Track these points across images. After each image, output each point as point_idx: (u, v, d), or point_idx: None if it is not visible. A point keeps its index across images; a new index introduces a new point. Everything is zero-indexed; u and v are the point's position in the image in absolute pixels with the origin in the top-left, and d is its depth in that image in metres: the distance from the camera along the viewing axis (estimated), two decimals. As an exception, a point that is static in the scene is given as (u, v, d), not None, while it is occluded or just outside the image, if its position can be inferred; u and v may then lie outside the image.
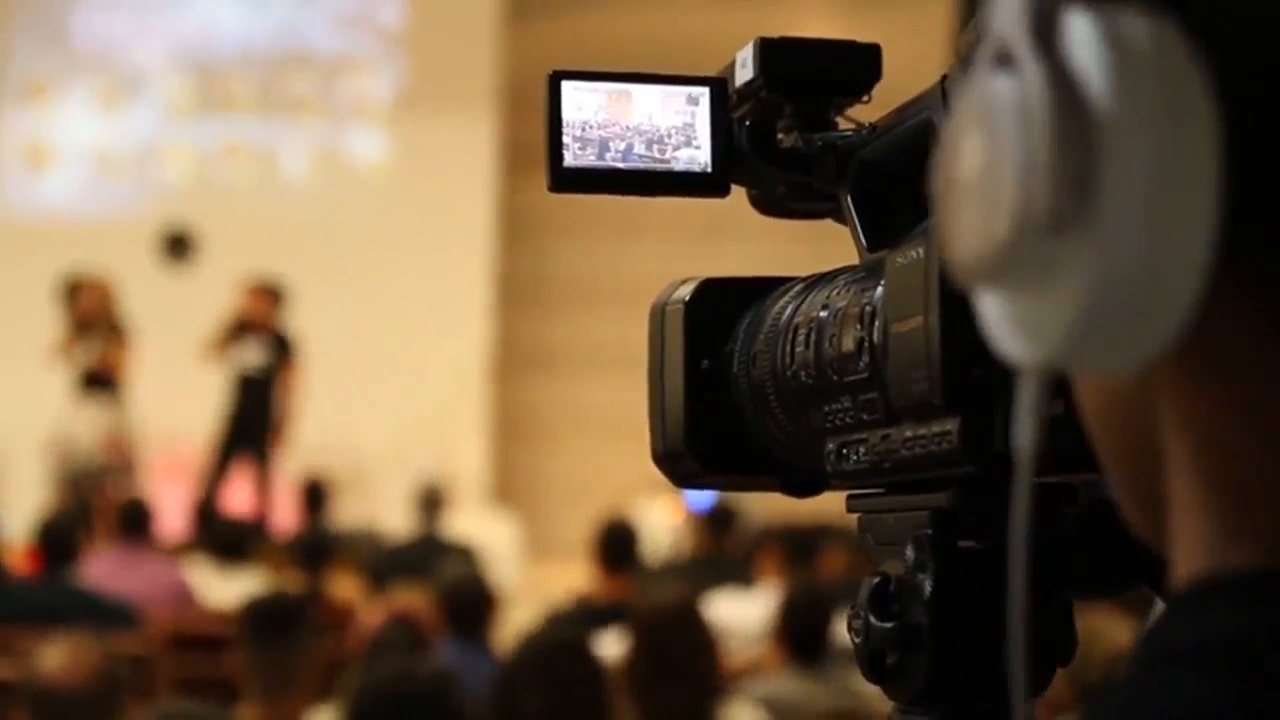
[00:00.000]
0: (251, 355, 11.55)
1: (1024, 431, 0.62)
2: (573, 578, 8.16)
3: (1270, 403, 0.61)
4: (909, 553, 0.96)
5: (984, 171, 0.61)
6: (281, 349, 11.65)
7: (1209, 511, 0.62)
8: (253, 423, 11.56)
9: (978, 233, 0.61)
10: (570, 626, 4.99)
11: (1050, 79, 0.59)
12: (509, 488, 13.22)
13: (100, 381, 11.24)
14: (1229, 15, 0.60)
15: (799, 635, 4.97)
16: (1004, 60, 0.61)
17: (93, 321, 11.24)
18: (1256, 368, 0.61)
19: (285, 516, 11.03)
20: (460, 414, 12.92)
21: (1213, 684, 0.59)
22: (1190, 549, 0.63)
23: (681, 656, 4.35)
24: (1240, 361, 0.61)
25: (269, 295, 11.71)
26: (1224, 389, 0.61)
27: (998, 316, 0.62)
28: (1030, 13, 0.60)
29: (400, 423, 12.61)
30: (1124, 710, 0.62)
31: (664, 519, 10.69)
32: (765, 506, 9.15)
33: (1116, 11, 0.60)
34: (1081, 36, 0.59)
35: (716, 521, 8.19)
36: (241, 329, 11.56)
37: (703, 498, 8.75)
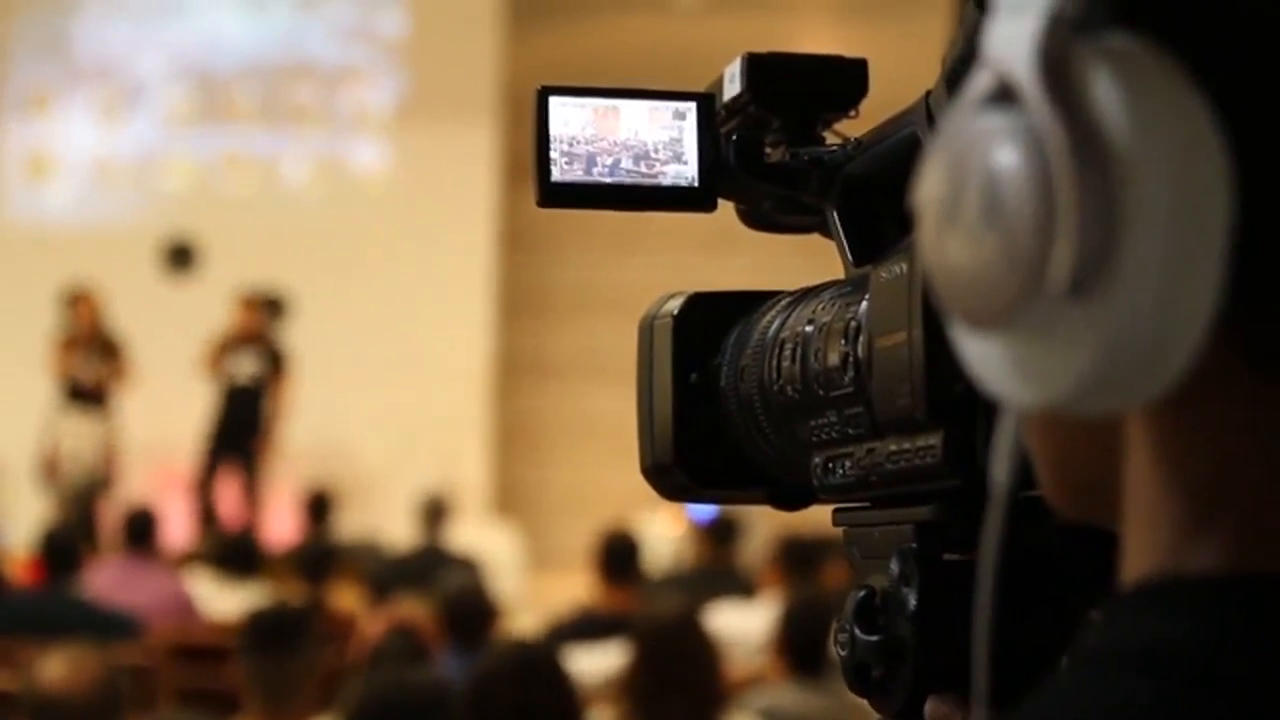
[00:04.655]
0: (244, 365, 11.61)
1: (1002, 468, 0.62)
2: (574, 589, 8.16)
3: (1241, 411, 0.61)
4: (894, 566, 0.96)
5: (985, 217, 0.59)
6: (273, 360, 11.72)
7: (1170, 512, 0.62)
8: (241, 431, 11.63)
9: (979, 284, 0.60)
10: (541, 640, 4.99)
11: (1068, 128, 0.57)
12: (510, 499, 13.22)
13: (90, 396, 11.31)
14: (1233, 59, 0.59)
15: (799, 647, 4.96)
16: (1004, 97, 0.59)
17: (89, 336, 11.32)
18: (1221, 383, 0.61)
19: (286, 527, 11.04)
20: (461, 425, 12.92)
21: (1155, 685, 0.59)
22: (1146, 548, 0.63)
23: (683, 668, 4.35)
24: (1203, 374, 0.60)
25: (262, 306, 11.80)
26: (1189, 402, 0.61)
27: (986, 356, 0.61)
28: (1041, 50, 0.58)
29: (401, 433, 12.62)
30: (1063, 707, 0.62)
31: (666, 530, 10.69)
32: (768, 518, 9.15)
33: (1130, 54, 0.58)
34: (1095, 79, 0.57)
35: (718, 533, 8.19)
36: (236, 341, 11.63)
37: (704, 509, 8.75)
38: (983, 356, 0.61)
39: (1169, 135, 0.57)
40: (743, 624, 6.06)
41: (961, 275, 0.60)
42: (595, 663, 5.30)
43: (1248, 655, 0.59)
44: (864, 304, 0.97)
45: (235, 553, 8.28)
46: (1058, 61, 0.57)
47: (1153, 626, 0.61)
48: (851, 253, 1.07)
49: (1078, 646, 0.63)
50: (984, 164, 0.59)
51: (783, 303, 1.10)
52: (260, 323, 11.79)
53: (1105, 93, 0.57)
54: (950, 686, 0.94)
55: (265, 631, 4.62)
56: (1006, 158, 0.58)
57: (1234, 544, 0.61)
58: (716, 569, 7.77)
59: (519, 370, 13.50)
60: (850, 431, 0.99)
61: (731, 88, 1.12)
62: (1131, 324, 0.57)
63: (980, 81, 0.60)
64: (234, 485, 11.80)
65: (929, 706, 0.86)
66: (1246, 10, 0.59)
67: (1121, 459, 0.64)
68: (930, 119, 0.98)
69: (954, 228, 0.60)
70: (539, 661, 3.94)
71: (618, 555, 6.73)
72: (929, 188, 0.62)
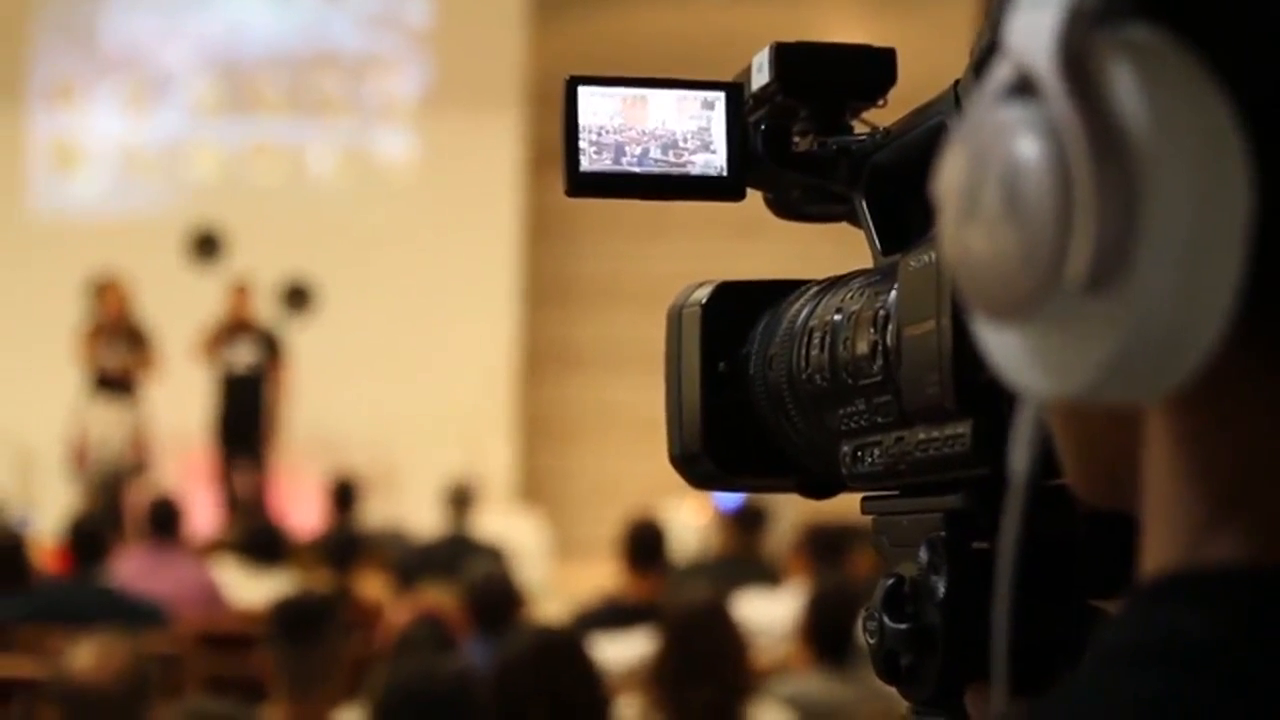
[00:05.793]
0: (242, 354, 11.67)
1: (1021, 457, 0.62)
2: (600, 577, 8.17)
3: (1259, 405, 0.61)
4: (923, 554, 0.96)
5: (1005, 209, 0.59)
6: (271, 348, 11.77)
7: (1188, 505, 0.62)
8: (245, 421, 11.69)
9: (998, 276, 0.60)
10: (567, 628, 4.99)
11: (1086, 121, 0.57)
12: (535, 487, 13.24)
13: (118, 384, 11.35)
14: (1253, 53, 0.59)
15: (826, 635, 4.96)
16: (1024, 89, 0.59)
17: (116, 325, 11.35)
18: (1241, 377, 0.61)
19: (312, 516, 11.06)
20: (487, 413, 12.94)
21: (1172, 679, 0.59)
22: (1165, 541, 0.63)
23: (711, 655, 4.36)
24: (1224, 370, 0.60)
25: (252, 294, 11.89)
26: (1208, 395, 0.61)
27: (1006, 347, 0.61)
28: (1061, 42, 0.58)
29: (426, 422, 12.64)
30: (1080, 702, 0.62)
31: (691, 518, 10.69)
32: (794, 506, 9.15)
33: (1150, 47, 0.58)
34: (1115, 72, 0.57)
35: (744, 521, 8.19)
36: (230, 330, 11.68)
37: (731, 497, 8.75)
38: (1002, 347, 0.61)
39: (1188, 129, 0.57)
40: (769, 612, 6.06)
41: (981, 267, 0.61)
42: (621, 651, 5.30)
43: (1265, 648, 0.58)
44: (893, 293, 0.97)
45: (261, 541, 8.30)
46: (1078, 54, 0.57)
47: (1170, 619, 0.60)
48: (880, 241, 1.07)
49: (1097, 640, 0.63)
50: (1004, 156, 0.59)
51: (811, 291, 1.10)
52: (254, 310, 11.84)
53: (1125, 86, 0.57)
54: (980, 674, 0.94)
55: (292, 620, 4.63)
56: (1026, 150, 0.58)
57: (1252, 537, 0.61)
58: (742, 557, 7.77)
59: (544, 359, 13.51)
60: (879, 420, 1.00)
61: (760, 77, 1.12)
62: (1149, 318, 0.57)
63: (1001, 73, 0.60)
64: (246, 474, 11.87)
65: (969, 697, 0.86)
66: (1268, 3, 0.59)
67: (1142, 450, 0.64)
68: (959, 108, 0.98)
69: (974, 219, 0.61)
70: (564, 648, 3.94)
71: (643, 543, 6.73)
72: (949, 179, 0.62)
